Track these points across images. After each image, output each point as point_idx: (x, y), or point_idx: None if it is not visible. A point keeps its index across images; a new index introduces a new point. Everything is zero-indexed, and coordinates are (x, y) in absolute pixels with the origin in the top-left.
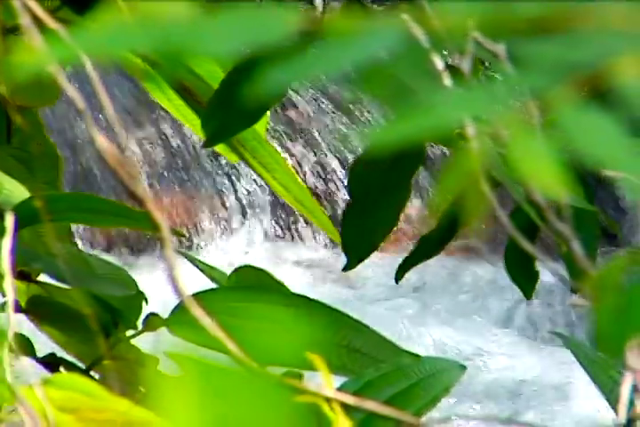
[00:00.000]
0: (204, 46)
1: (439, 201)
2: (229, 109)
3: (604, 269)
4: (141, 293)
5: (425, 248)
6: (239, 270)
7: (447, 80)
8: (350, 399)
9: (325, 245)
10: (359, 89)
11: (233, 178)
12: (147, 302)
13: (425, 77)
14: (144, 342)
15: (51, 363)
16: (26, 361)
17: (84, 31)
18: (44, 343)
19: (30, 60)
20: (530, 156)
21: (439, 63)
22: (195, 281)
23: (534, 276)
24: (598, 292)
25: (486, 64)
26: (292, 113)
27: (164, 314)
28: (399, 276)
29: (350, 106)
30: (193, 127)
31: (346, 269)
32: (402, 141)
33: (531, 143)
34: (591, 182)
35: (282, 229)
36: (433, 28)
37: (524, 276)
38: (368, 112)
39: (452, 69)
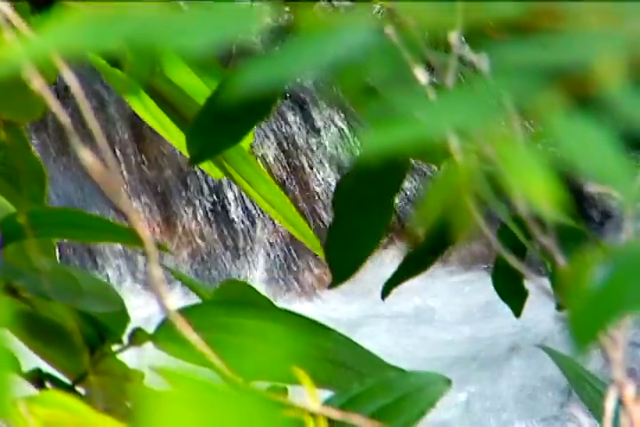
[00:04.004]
0: (176, 41)
1: (423, 217)
2: (215, 126)
3: (575, 263)
4: (125, 309)
5: (411, 265)
6: (224, 285)
7: (424, 79)
8: (336, 414)
9: None
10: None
11: None
12: (129, 319)
13: (401, 77)
14: (130, 356)
15: (36, 378)
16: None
17: (53, 28)
18: (28, 358)
19: (3, 58)
20: (521, 169)
21: (415, 62)
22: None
23: (523, 293)
24: (571, 285)
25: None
26: None
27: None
28: (385, 293)
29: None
30: (178, 144)
31: (331, 286)
32: (383, 152)
33: (520, 156)
34: (575, 186)
35: None
36: (410, 29)
37: (512, 294)
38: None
39: (432, 73)
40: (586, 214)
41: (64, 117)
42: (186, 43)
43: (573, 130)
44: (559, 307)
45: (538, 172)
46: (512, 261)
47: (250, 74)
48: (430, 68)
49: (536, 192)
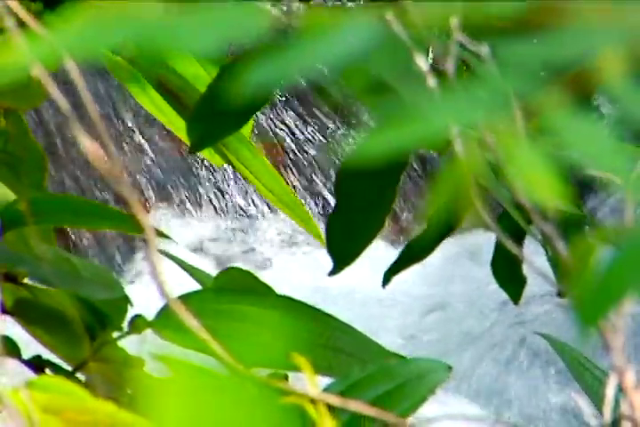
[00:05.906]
0: (180, 42)
1: (429, 207)
2: (216, 113)
3: (579, 247)
4: (126, 295)
5: (413, 252)
6: (225, 272)
7: (430, 79)
8: (336, 400)
9: None
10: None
11: None
12: (131, 304)
13: (407, 75)
14: (130, 343)
15: (37, 365)
16: (11, 363)
17: (61, 29)
18: (29, 345)
19: (13, 62)
20: (523, 164)
21: (421, 60)
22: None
23: (521, 280)
24: (575, 269)
25: (470, 64)
26: None
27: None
28: (386, 280)
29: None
30: (178, 131)
31: (331, 273)
32: (389, 151)
33: (522, 150)
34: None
35: None
36: (414, 26)
37: (511, 280)
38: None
39: (435, 70)
40: (583, 200)
41: (65, 105)
42: (189, 45)
43: (574, 125)
44: (560, 294)
45: (540, 166)
46: (511, 247)
47: (252, 73)
48: (435, 62)
49: (538, 187)
